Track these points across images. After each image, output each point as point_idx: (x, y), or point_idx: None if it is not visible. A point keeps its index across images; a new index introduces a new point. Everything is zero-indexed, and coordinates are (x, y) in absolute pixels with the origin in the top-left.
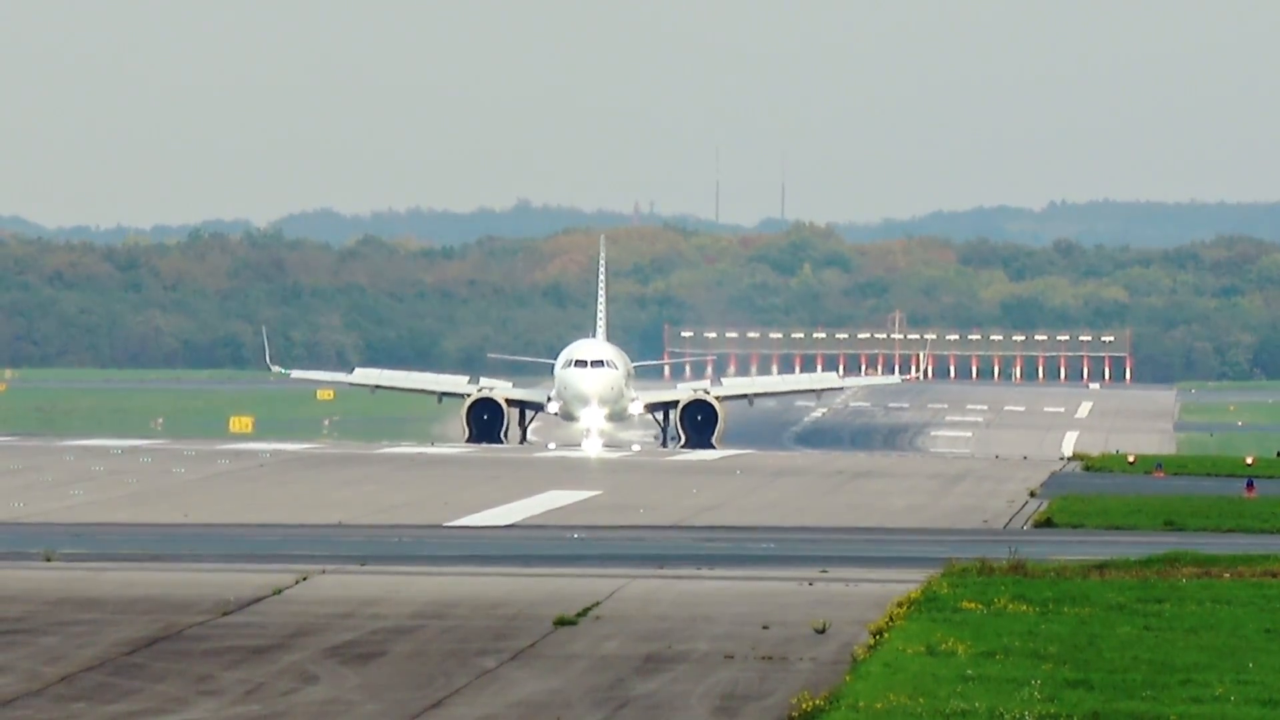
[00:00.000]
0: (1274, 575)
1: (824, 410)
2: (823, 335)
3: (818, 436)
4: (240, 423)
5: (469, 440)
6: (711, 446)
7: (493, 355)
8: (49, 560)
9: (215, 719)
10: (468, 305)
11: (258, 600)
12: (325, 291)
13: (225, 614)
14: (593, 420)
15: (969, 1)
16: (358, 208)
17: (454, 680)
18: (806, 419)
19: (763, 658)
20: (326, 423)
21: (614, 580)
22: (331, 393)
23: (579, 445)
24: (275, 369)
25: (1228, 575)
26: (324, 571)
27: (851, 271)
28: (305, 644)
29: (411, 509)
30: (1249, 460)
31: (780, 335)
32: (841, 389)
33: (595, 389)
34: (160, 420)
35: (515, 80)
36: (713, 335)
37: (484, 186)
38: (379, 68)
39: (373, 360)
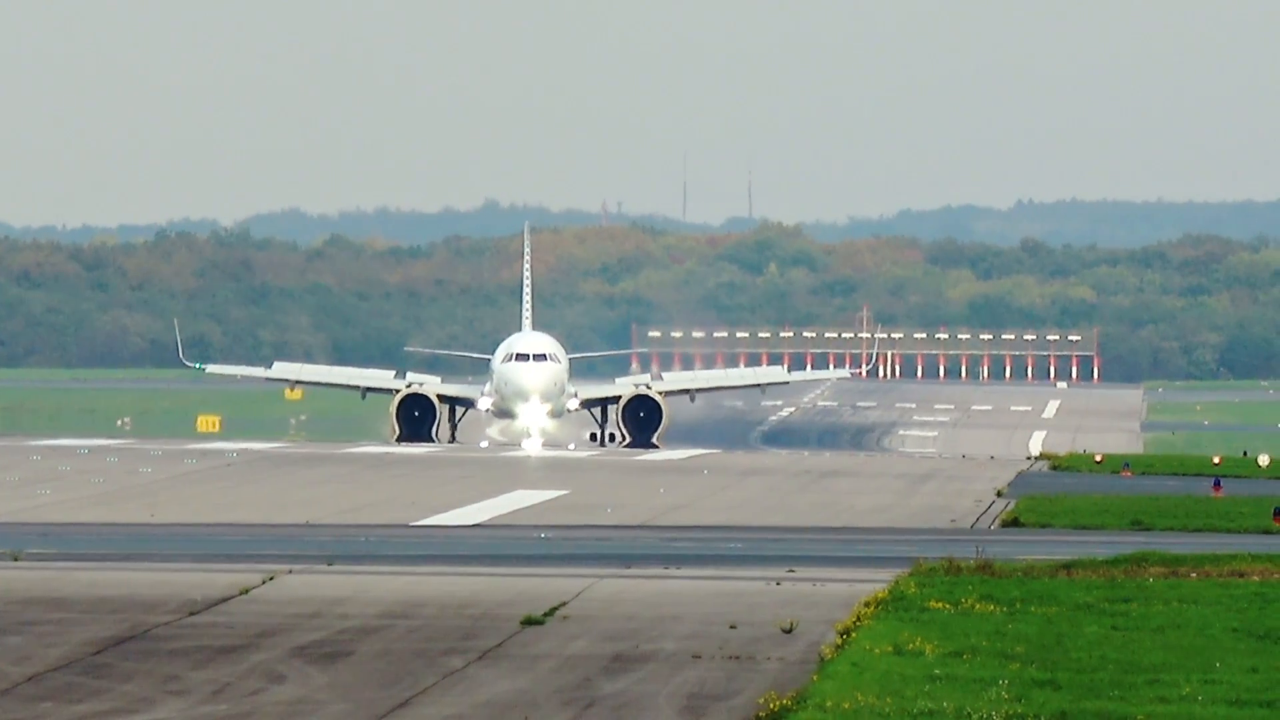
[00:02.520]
0: (1241, 575)
1: (791, 409)
2: (790, 334)
3: (785, 436)
4: (208, 422)
5: (399, 440)
6: (653, 446)
7: (409, 349)
8: (16, 560)
9: (182, 719)
10: (435, 304)
11: (225, 600)
12: (293, 292)
13: (192, 614)
14: (533, 417)
15: (936, 2)
16: (325, 207)
17: (421, 680)
18: (773, 418)
19: (730, 657)
20: (294, 422)
21: (581, 580)
22: (300, 392)
23: (518, 444)
24: (192, 365)
25: (1195, 575)
26: (291, 571)
27: (819, 271)
28: (272, 644)
29: (378, 508)
30: (1216, 460)
31: (747, 334)
32: (788, 383)
33: (538, 384)
34: (127, 420)
35: (482, 80)
36: (679, 335)
37: (451, 186)
38: (346, 67)
39: (340, 360)
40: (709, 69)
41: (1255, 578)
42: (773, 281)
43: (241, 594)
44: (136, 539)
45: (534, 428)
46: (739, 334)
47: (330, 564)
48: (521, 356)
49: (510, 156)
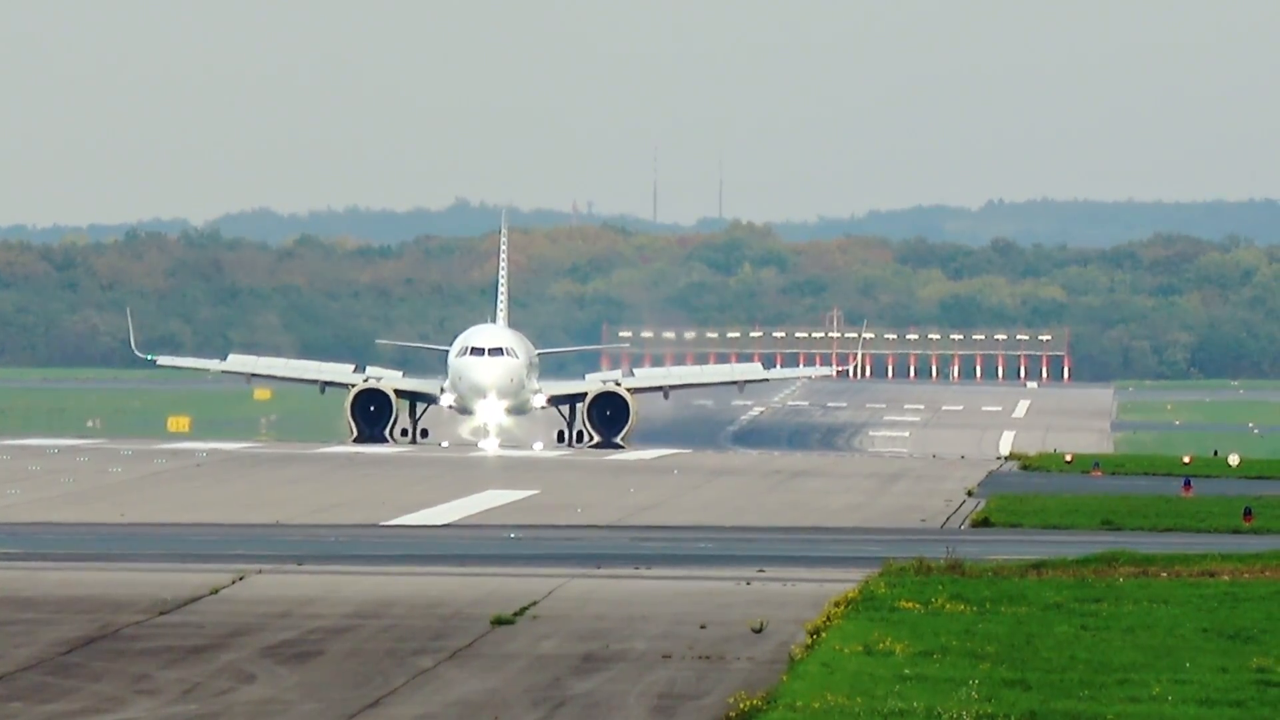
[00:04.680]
0: (1211, 575)
1: (761, 409)
2: (759, 334)
3: (755, 436)
4: (178, 422)
5: (357, 440)
6: (618, 446)
7: (381, 341)
8: None
9: (152, 718)
10: (405, 304)
11: (195, 600)
12: (263, 292)
13: (162, 613)
14: (490, 414)
15: (904, 3)
16: (295, 207)
17: (391, 680)
18: (744, 418)
19: (700, 657)
20: (264, 422)
21: (551, 580)
22: (269, 392)
23: (476, 444)
24: (145, 356)
25: (1165, 575)
26: (261, 571)
27: (789, 270)
28: (242, 643)
29: (348, 508)
30: (1186, 460)
31: (717, 334)
32: (767, 380)
33: (492, 379)
34: (97, 420)
35: (454, 80)
36: (650, 335)
37: (421, 185)
38: (316, 67)
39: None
40: (679, 70)
41: (1225, 577)
42: (743, 281)
43: (211, 594)
44: (106, 539)
45: (491, 425)
46: (709, 334)
47: (300, 564)
48: (476, 351)
49: (481, 156)
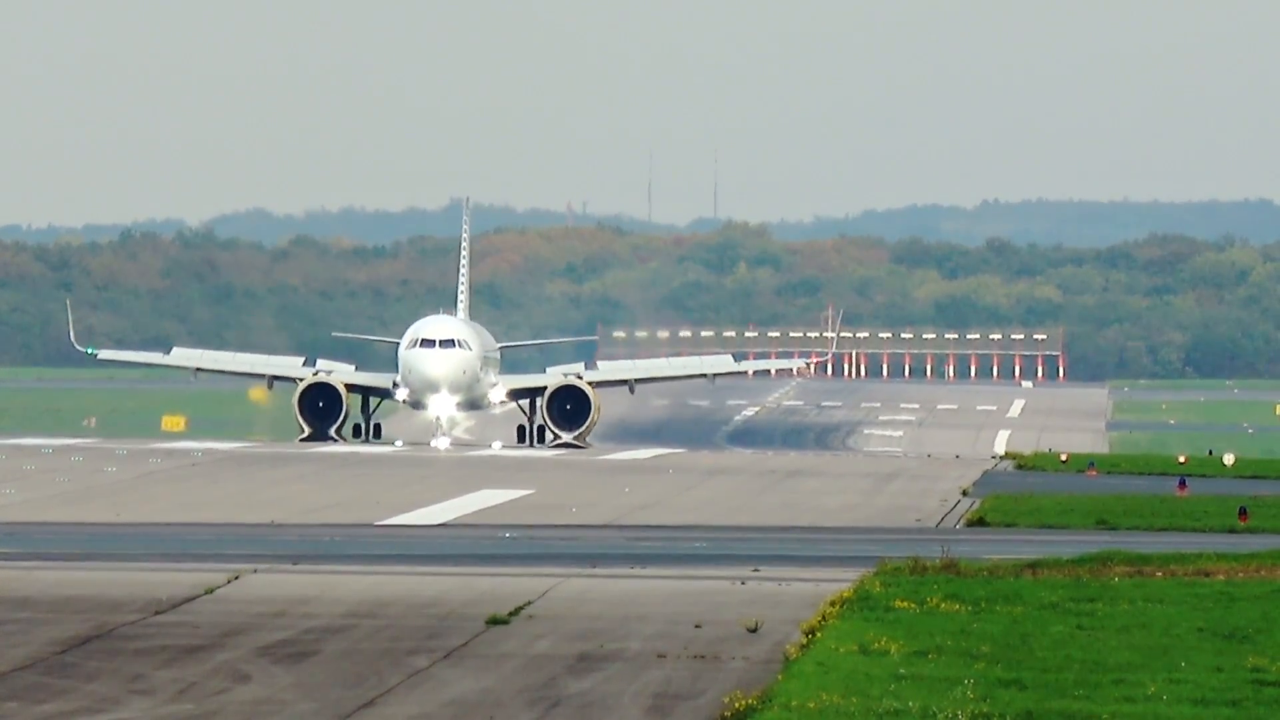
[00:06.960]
0: (1206, 574)
1: (757, 409)
2: (754, 334)
3: (750, 435)
4: (172, 422)
5: (306, 438)
6: (578, 446)
7: (337, 334)
8: None
9: (147, 718)
10: (400, 304)
11: (190, 599)
12: (258, 292)
13: (157, 613)
14: (442, 409)
15: (898, 2)
16: (290, 207)
17: (386, 679)
18: (738, 417)
19: (695, 657)
20: (259, 422)
21: (546, 579)
22: (264, 391)
23: (427, 443)
24: (84, 349)
25: (1160, 574)
26: (256, 571)
27: (783, 270)
28: (237, 643)
29: (343, 508)
30: (1181, 459)
31: (712, 334)
32: (737, 373)
33: (442, 372)
34: (92, 419)
35: (448, 79)
36: (645, 335)
37: (416, 185)
38: (310, 66)
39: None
40: (674, 70)
41: (1220, 577)
42: (738, 281)
43: (207, 593)
44: (102, 538)
45: (444, 421)
46: (704, 333)
47: (295, 563)
48: (426, 343)
49: (476, 156)
